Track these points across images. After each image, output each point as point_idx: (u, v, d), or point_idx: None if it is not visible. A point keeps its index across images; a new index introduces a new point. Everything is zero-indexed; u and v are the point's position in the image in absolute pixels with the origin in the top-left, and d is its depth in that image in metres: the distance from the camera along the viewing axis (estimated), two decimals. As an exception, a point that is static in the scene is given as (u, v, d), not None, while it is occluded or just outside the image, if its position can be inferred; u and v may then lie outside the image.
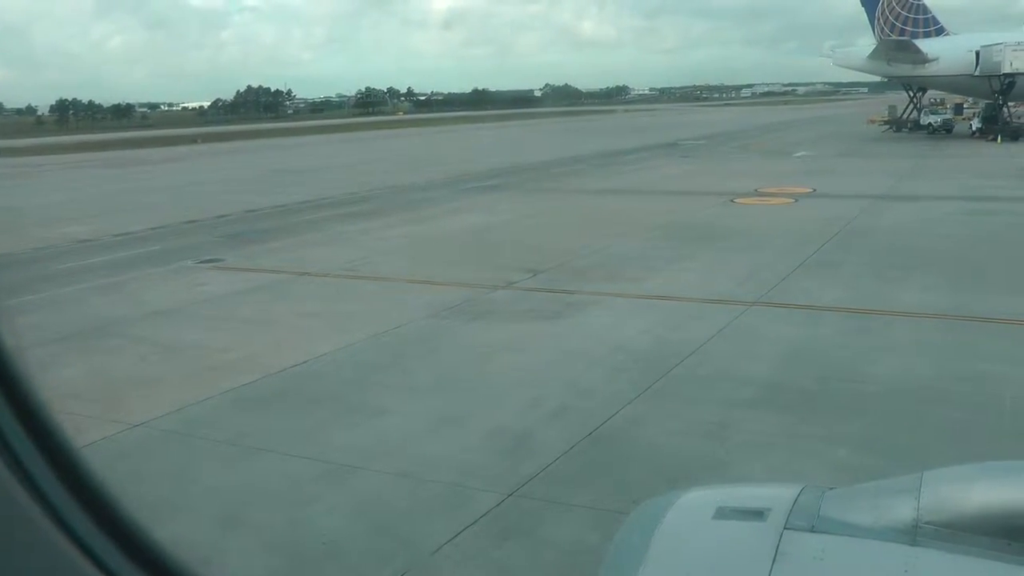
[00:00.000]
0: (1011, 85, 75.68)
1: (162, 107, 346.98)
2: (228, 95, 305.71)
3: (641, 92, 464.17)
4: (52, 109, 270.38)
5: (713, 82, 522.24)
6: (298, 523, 9.69)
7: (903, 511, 3.63)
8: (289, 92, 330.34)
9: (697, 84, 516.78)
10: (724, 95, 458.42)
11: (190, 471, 11.26)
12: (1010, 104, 80.00)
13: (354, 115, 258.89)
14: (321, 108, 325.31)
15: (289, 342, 17.05)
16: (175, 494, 10.48)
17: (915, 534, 3.52)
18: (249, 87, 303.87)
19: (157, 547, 2.42)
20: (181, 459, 11.69)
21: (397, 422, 12.73)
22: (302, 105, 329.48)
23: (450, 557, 8.86)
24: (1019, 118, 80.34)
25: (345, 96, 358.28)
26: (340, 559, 9.01)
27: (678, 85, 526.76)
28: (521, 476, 10.63)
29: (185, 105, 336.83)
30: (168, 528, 9.44)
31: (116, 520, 2.27)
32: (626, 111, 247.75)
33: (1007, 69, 74.07)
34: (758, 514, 3.96)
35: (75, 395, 14.01)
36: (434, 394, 13.99)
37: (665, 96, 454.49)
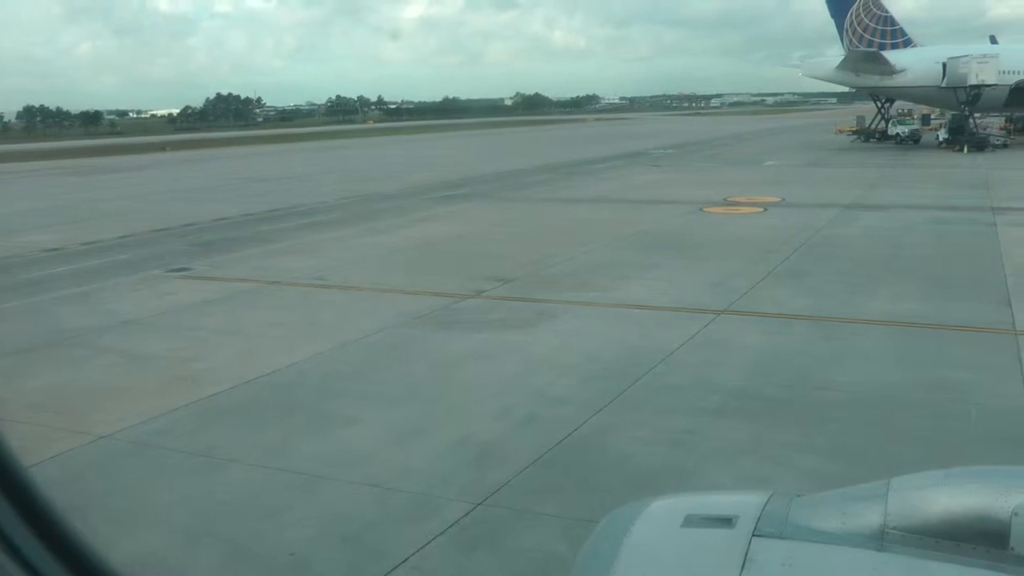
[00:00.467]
0: (977, 97, 76.67)
1: (131, 114, 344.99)
2: (197, 102, 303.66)
3: (611, 101, 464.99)
4: (19, 116, 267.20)
5: (683, 91, 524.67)
6: (265, 535, 9.62)
7: (870, 517, 3.65)
8: (259, 100, 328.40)
9: (667, 93, 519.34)
10: (694, 104, 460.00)
11: (156, 483, 11.15)
12: (976, 115, 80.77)
13: (324, 123, 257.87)
14: (291, 116, 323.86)
15: (258, 352, 16.95)
16: (140, 506, 10.38)
17: (882, 539, 3.54)
18: (218, 94, 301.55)
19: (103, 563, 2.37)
20: (147, 471, 11.56)
21: (366, 432, 12.67)
22: (272, 113, 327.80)
23: (417, 568, 8.82)
24: (984, 129, 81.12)
25: (315, 104, 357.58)
26: (306, 571, 8.94)
27: (648, 94, 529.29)
28: (490, 485, 10.61)
29: (154, 112, 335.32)
30: (133, 541, 9.41)
31: (61, 537, 2.22)
32: (596, 120, 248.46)
33: (973, 81, 75.03)
34: (726, 521, 3.97)
35: (40, 406, 13.91)
36: (403, 403, 13.93)
37: (635, 105, 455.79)
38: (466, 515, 9.87)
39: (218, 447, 12.20)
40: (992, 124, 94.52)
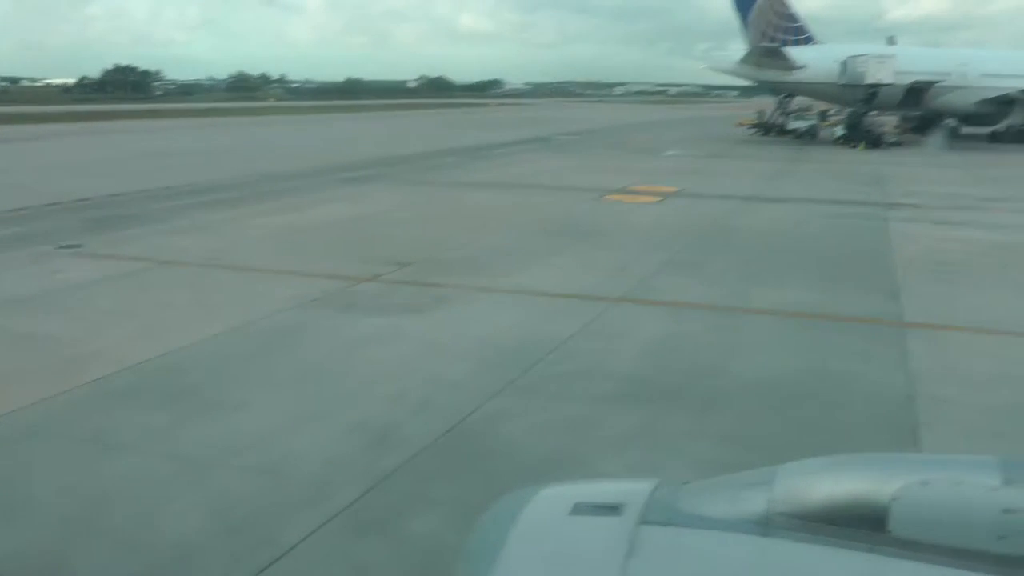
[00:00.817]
0: (874, 95, 78.71)
1: (24, 82, 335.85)
2: (95, 73, 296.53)
3: (516, 86, 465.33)
4: None
5: (588, 79, 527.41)
6: (152, 523, 9.43)
7: (756, 503, 3.73)
8: (159, 73, 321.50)
9: (572, 80, 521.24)
10: (598, 92, 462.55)
11: (40, 470, 10.80)
12: (872, 113, 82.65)
13: (226, 100, 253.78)
14: (192, 91, 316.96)
15: (150, 333, 16.58)
16: (22, 495, 10.06)
17: (767, 525, 3.62)
18: (117, 66, 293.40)
19: None
20: (31, 458, 11.18)
21: (258, 416, 12.50)
22: (172, 87, 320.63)
23: (306, 554, 8.74)
24: (881, 127, 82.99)
25: (217, 80, 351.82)
26: (193, 560, 8.77)
27: (553, 80, 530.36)
28: (382, 470, 10.58)
29: (49, 81, 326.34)
30: (14, 532, 9.14)
31: None
32: (500, 104, 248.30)
33: (870, 80, 76.95)
34: (614, 509, 4.00)
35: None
36: (297, 387, 13.80)
37: (540, 91, 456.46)
38: (358, 500, 9.81)
39: (105, 433, 11.91)
40: (887, 122, 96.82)
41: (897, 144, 78.89)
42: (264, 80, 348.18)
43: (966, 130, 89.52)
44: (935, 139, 78.79)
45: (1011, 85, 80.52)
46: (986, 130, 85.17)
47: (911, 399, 13.39)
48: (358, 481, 10.29)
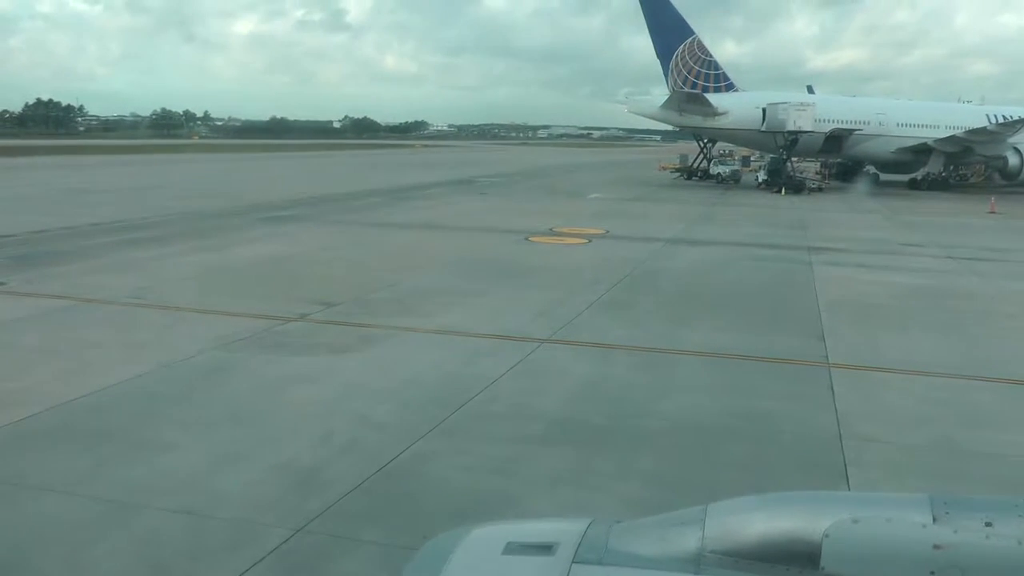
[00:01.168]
0: (794, 142, 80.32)
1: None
2: (16, 107, 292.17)
3: (440, 128, 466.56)
4: None
5: (512, 121, 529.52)
6: (75, 567, 9.26)
7: (688, 541, 3.76)
8: (81, 108, 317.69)
9: (495, 122, 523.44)
10: (521, 135, 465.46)
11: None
12: (793, 159, 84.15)
13: (149, 136, 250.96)
14: (115, 127, 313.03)
15: (74, 373, 16.30)
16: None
17: (699, 563, 3.66)
18: (39, 100, 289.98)
19: None
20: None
21: (184, 457, 12.34)
22: (95, 122, 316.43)
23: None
24: (801, 172, 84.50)
25: (140, 116, 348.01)
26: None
27: (477, 122, 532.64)
28: (309, 512, 10.51)
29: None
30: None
31: None
32: (424, 146, 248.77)
33: (791, 127, 78.47)
34: (547, 548, 4.02)
35: None
36: (223, 428, 13.64)
37: (463, 133, 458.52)
38: (285, 542, 9.74)
39: (27, 474, 11.67)
40: (808, 168, 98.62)
41: (819, 190, 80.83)
42: (188, 117, 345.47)
43: (884, 177, 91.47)
44: (861, 184, 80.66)
45: (926, 135, 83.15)
46: (905, 177, 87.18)
47: (839, 438, 13.63)
48: (285, 522, 10.21)
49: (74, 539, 9.89)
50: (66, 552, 9.59)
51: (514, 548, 4.14)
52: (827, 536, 3.51)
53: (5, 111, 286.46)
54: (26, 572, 9.17)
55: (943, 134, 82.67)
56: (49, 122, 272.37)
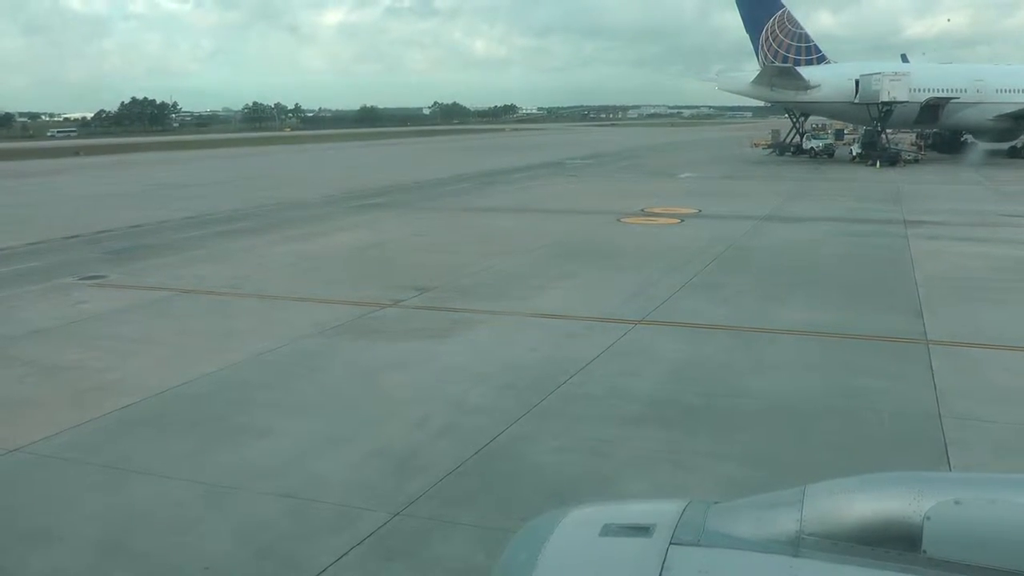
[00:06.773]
0: (889, 113, 78.37)
1: (43, 117, 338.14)
2: (112, 106, 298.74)
3: (529, 111, 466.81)
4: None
5: (601, 102, 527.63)
6: (179, 548, 9.44)
7: (786, 523, 3.69)
8: (175, 104, 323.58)
9: (585, 104, 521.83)
10: (611, 115, 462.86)
11: (69, 496, 10.86)
12: (888, 131, 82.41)
13: (241, 130, 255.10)
14: (208, 122, 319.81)
15: (172, 361, 16.66)
16: (53, 521, 10.11)
17: (798, 545, 3.58)
18: (134, 99, 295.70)
19: None
20: (60, 484, 11.25)
21: (282, 442, 12.51)
22: (188, 118, 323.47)
23: (334, 579, 8.72)
24: (896, 144, 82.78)
25: (232, 110, 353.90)
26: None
27: (566, 105, 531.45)
28: (408, 495, 10.56)
29: (67, 116, 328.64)
30: (46, 556, 9.19)
31: None
32: (514, 130, 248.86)
33: (885, 98, 76.55)
34: (644, 530, 3.97)
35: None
36: (319, 413, 13.80)
37: (553, 115, 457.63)
38: (383, 525, 9.79)
39: (131, 459, 11.95)
40: (904, 139, 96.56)
41: (915, 161, 78.80)
42: (279, 110, 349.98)
43: (984, 146, 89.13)
44: (969, 156, 78.62)
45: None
46: (1004, 145, 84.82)
47: (938, 417, 13.30)
48: (383, 505, 10.27)
49: (177, 521, 10.08)
50: (170, 533, 9.79)
51: (611, 530, 4.10)
52: (928, 518, 3.38)
53: (102, 111, 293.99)
54: (130, 554, 9.37)
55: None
56: (144, 120, 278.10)
